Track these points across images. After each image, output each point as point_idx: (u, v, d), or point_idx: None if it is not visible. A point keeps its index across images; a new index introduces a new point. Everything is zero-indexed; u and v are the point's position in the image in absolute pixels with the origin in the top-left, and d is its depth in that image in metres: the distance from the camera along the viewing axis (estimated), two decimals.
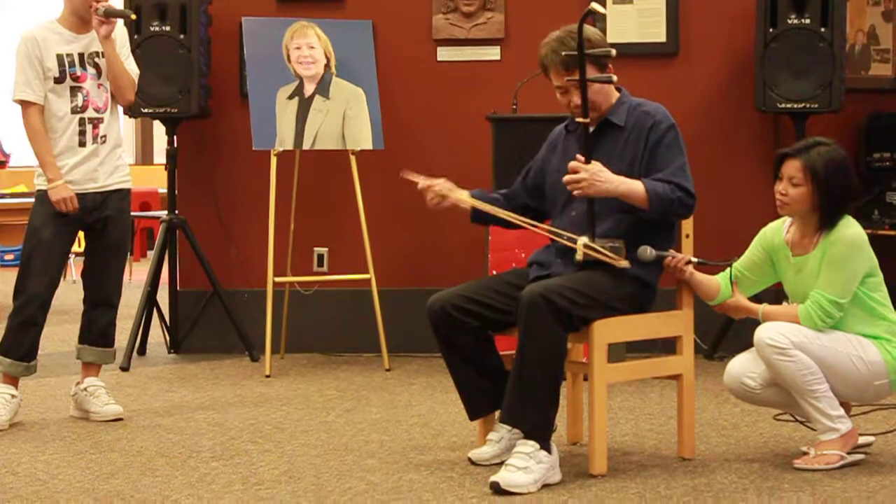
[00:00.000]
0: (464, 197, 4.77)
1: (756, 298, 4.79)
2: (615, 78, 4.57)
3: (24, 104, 5.42)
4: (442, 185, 4.76)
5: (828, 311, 4.49)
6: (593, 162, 4.48)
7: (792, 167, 4.58)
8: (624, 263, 4.43)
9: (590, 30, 4.55)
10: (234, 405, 5.88)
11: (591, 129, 4.62)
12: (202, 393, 6.20)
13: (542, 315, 4.28)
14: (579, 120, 4.54)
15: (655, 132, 4.57)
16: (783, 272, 4.72)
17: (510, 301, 4.49)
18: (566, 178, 4.49)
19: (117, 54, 5.47)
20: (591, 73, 4.52)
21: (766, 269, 4.76)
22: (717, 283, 4.74)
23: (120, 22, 5.49)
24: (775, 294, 5.04)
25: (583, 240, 4.48)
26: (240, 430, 5.31)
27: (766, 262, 4.75)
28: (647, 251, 4.49)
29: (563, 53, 4.53)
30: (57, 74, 5.43)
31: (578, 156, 4.50)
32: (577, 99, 4.56)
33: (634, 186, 4.49)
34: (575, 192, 4.49)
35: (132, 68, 5.58)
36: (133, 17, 5.58)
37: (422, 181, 4.76)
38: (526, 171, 4.91)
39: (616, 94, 4.71)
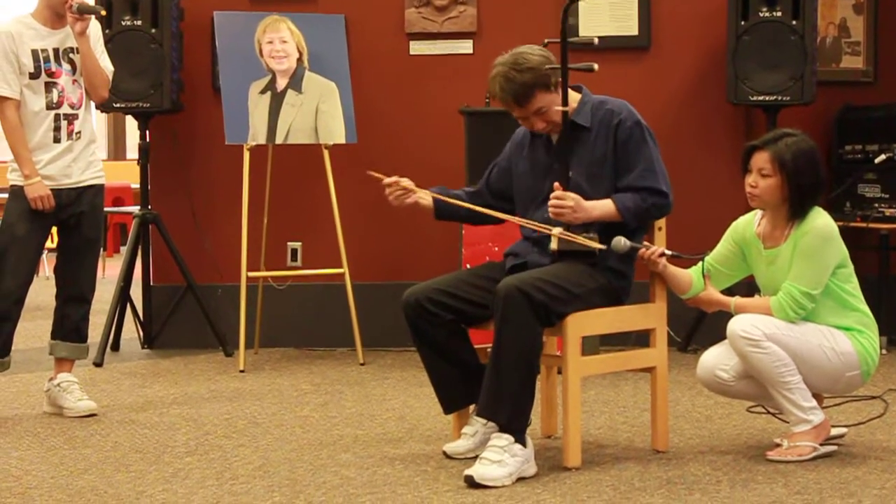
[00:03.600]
0: (426, 192, 4.77)
1: (728, 291, 4.81)
2: (596, 66, 4.54)
3: (1, 99, 5.38)
4: (406, 181, 4.74)
5: (800, 302, 4.51)
6: (569, 193, 4.49)
7: (761, 159, 4.59)
8: (599, 245, 4.44)
9: (533, 53, 4.57)
10: (208, 400, 5.87)
11: (556, 137, 4.63)
12: (176, 388, 6.19)
13: (518, 308, 4.28)
14: (558, 108, 4.54)
15: (622, 130, 4.57)
16: (755, 265, 4.73)
17: (485, 294, 4.49)
18: (551, 203, 4.48)
19: (92, 51, 5.45)
20: (544, 98, 4.54)
21: (738, 262, 4.77)
22: (690, 277, 4.74)
23: (93, 18, 5.47)
24: (748, 287, 5.06)
25: (558, 229, 4.49)
26: (214, 425, 5.30)
27: (738, 255, 4.76)
28: (622, 242, 4.49)
29: (547, 41, 4.54)
30: (32, 70, 5.40)
31: (557, 184, 4.51)
32: (539, 125, 4.60)
33: (607, 208, 4.52)
34: (561, 218, 4.49)
35: (106, 65, 5.56)
36: (103, 13, 5.56)
37: (387, 178, 4.74)
38: (490, 170, 4.90)
39: (577, 96, 4.69)
